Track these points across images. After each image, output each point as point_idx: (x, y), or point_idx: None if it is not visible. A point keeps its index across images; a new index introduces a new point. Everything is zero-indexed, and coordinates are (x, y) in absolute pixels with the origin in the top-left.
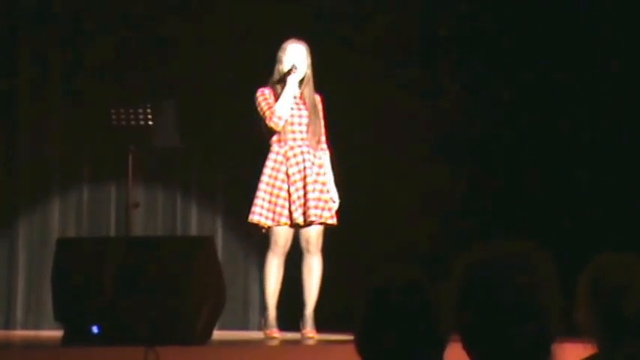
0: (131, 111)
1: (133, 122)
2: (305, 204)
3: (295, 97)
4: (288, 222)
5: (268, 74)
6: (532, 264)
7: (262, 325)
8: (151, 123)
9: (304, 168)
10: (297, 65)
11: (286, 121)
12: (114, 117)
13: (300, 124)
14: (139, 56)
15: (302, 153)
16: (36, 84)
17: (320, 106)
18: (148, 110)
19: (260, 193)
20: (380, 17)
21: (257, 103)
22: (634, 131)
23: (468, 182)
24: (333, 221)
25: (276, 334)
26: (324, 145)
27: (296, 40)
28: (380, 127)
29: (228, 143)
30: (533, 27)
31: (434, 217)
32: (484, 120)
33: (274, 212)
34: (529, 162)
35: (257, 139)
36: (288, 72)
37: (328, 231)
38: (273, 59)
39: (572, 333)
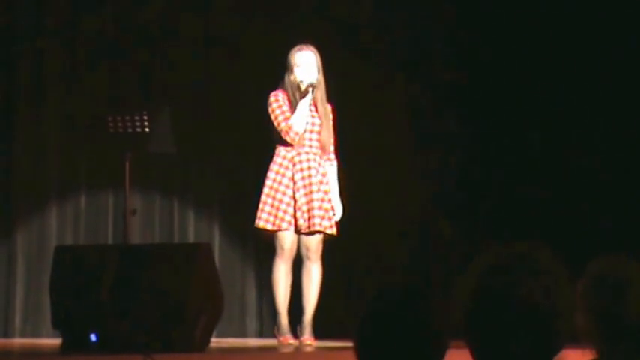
0: (127, 118)
1: (129, 129)
2: (309, 211)
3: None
4: (289, 227)
5: (267, 79)
6: (546, 269)
7: (275, 331)
8: (147, 130)
9: (309, 175)
10: (314, 81)
11: None
12: (110, 124)
13: (311, 132)
14: (135, 62)
15: (308, 160)
16: (32, 92)
17: (331, 116)
18: (145, 117)
19: (263, 197)
20: (378, 26)
21: (271, 109)
22: (636, 133)
23: (468, 189)
24: (332, 231)
25: (290, 340)
26: (332, 156)
27: (305, 46)
28: (379, 135)
29: (225, 150)
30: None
31: (435, 224)
32: (485, 126)
33: (276, 217)
34: (529, 166)
35: (257, 145)
36: (306, 89)
37: (327, 238)
38: (270, 64)
39: (572, 338)
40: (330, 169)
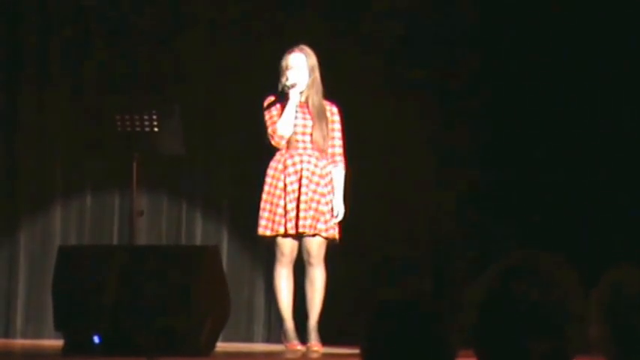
0: (136, 117)
1: (138, 128)
2: (297, 214)
3: (298, 106)
4: (284, 232)
5: (274, 81)
6: (558, 278)
7: (282, 338)
8: (156, 130)
9: (301, 177)
10: (294, 81)
11: None
12: (119, 123)
13: (303, 134)
14: (145, 61)
15: (301, 162)
16: (38, 89)
17: (336, 117)
18: (154, 117)
19: (261, 204)
20: (389, 19)
21: (263, 114)
22: None
23: (481, 195)
24: (329, 234)
25: (298, 346)
26: (338, 158)
27: (297, 49)
28: (385, 138)
29: (235, 151)
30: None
31: (440, 228)
32: (495, 129)
33: (273, 222)
34: (543, 172)
35: (264, 147)
36: (286, 91)
37: (332, 243)
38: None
39: (585, 348)
40: (334, 171)
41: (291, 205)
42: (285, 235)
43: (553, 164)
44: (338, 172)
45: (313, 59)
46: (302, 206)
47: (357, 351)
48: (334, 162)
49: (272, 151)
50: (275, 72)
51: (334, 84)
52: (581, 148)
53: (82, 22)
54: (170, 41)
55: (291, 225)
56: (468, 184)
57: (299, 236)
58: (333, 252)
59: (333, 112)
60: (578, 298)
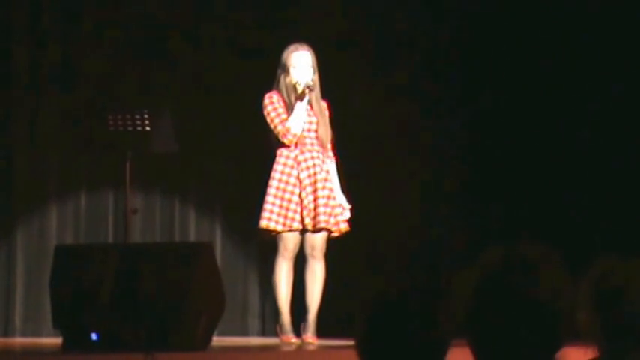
0: (128, 116)
1: (130, 128)
2: (315, 209)
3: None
4: (300, 227)
5: (268, 78)
6: (548, 268)
7: (277, 330)
8: (148, 129)
9: (314, 173)
10: (310, 83)
11: None
12: (111, 122)
13: (309, 131)
14: (136, 61)
15: (312, 158)
16: (31, 89)
17: (327, 112)
18: (146, 116)
19: (269, 198)
20: (379, 21)
21: (266, 112)
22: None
23: (471, 187)
24: (339, 228)
25: (293, 339)
26: (331, 153)
27: (300, 46)
28: (382, 132)
29: (227, 148)
30: (532, 31)
31: (437, 222)
32: (486, 123)
33: (286, 217)
34: (533, 165)
35: (259, 144)
36: (303, 91)
37: (339, 237)
38: (271, 63)
39: (573, 336)
40: (330, 166)
41: (308, 199)
42: (303, 230)
43: (544, 158)
44: (334, 167)
45: (314, 57)
46: (320, 201)
47: (351, 342)
48: (328, 157)
49: (273, 147)
50: (269, 70)
51: (329, 79)
52: (571, 142)
53: (74, 22)
54: (163, 39)
55: (308, 220)
56: (460, 177)
57: (304, 231)
58: (331, 245)
59: (323, 107)
60: (567, 287)
